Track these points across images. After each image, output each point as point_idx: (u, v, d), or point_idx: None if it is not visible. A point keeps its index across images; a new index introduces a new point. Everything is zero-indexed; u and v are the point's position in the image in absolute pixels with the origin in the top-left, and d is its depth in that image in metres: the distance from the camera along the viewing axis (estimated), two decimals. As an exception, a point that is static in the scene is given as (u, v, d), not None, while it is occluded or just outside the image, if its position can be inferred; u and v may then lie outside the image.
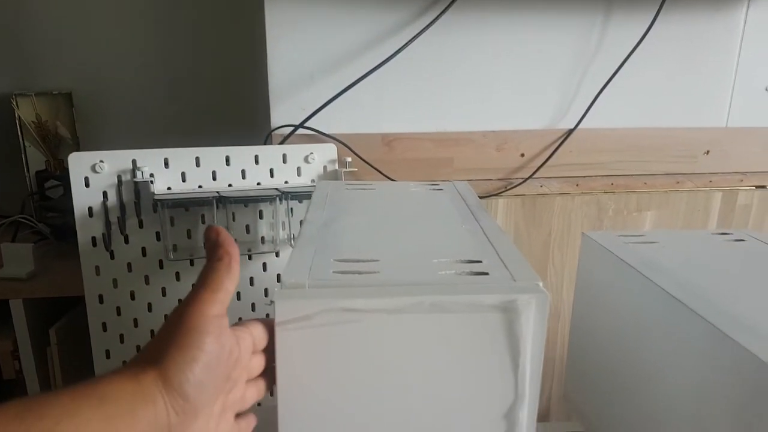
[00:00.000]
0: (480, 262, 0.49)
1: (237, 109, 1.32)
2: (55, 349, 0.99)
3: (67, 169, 0.85)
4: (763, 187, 1.07)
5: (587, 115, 0.99)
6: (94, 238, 0.85)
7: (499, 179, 1.01)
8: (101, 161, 0.84)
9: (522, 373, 0.44)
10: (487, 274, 0.46)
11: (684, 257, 0.64)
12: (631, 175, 1.04)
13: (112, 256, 0.86)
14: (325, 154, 0.92)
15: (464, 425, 0.45)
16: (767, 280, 0.58)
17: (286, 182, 0.91)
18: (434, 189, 0.76)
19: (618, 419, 0.66)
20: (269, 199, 0.88)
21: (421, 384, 0.45)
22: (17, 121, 1.19)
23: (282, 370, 0.44)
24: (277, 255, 0.92)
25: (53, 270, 1.02)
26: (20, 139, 1.20)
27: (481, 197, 0.98)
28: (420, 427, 0.45)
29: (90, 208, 0.84)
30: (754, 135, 1.06)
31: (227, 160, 0.88)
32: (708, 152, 1.05)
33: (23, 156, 1.20)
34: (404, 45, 0.91)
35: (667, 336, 0.56)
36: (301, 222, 0.78)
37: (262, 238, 0.92)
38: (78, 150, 1.22)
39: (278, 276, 0.95)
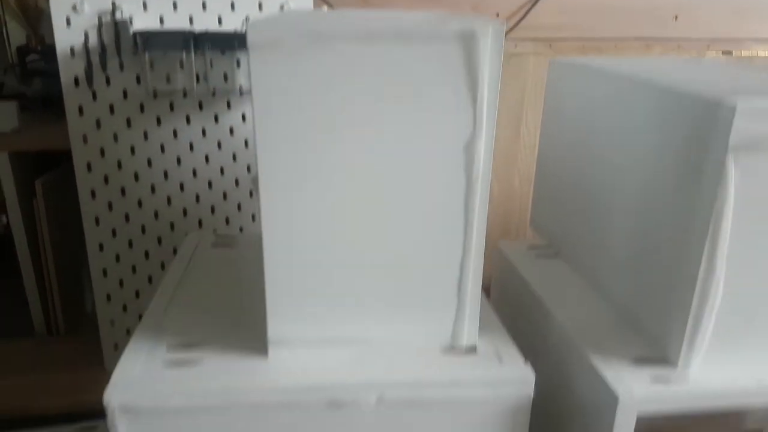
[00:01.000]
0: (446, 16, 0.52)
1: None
2: (41, 201, 1.01)
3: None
4: (730, 52, 1.10)
5: (560, -26, 1.01)
6: (76, 78, 0.87)
7: (474, 41, 1.04)
8: (82, 1, 0.85)
9: (480, 106, 0.47)
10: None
11: (642, 63, 0.68)
12: (602, 38, 1.07)
13: (94, 97, 0.88)
14: (301, 4, 0.93)
15: (429, 158, 0.49)
16: (711, 70, 0.62)
17: (264, 30, 0.93)
18: None
19: (575, 225, 0.70)
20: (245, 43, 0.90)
21: (388, 120, 0.48)
22: (-5, -6, 1.19)
23: (258, 101, 0.47)
24: (256, 105, 0.95)
25: (38, 128, 1.04)
26: (1, 13, 1.20)
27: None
28: (389, 163, 0.49)
29: (72, 48, 0.86)
30: (723, 1, 1.09)
31: (204, 5, 0.90)
32: (677, 17, 1.08)
33: (4, 30, 1.20)
34: None
35: (622, 115, 0.60)
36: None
37: (240, 87, 0.94)
38: (58, 23, 1.23)
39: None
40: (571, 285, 0.69)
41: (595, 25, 1.06)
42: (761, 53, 1.11)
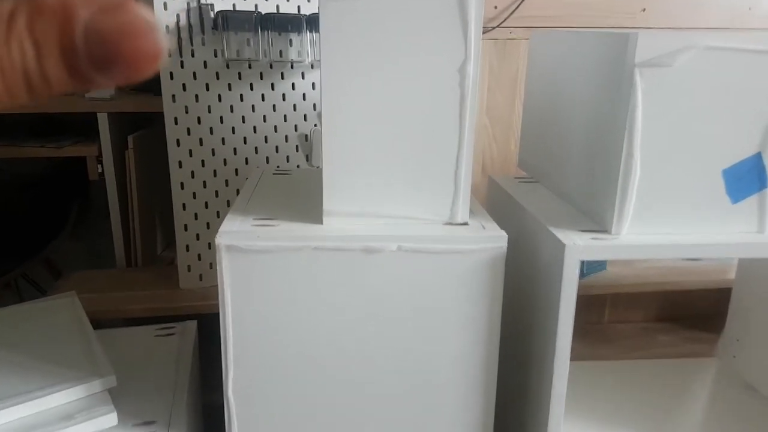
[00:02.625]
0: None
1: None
2: (131, 153, 1.27)
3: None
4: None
5: (548, -25, 1.26)
6: (168, 50, 1.13)
7: (478, 29, 1.28)
8: (175, -10, 1.11)
9: (469, 41, 0.71)
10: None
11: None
12: (580, 27, 1.31)
13: (182, 66, 1.14)
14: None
15: (435, 78, 0.73)
16: (634, 31, 0.86)
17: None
18: None
19: (547, 156, 0.94)
20: (298, 23, 1.15)
21: (411, 51, 0.72)
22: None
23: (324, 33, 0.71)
24: (302, 77, 1.20)
25: (130, 97, 1.30)
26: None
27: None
28: (410, 82, 0.73)
29: (167, 26, 1.12)
30: (683, -2, 1.33)
31: (267, -4, 1.16)
32: (644, 10, 1.32)
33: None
34: None
35: (575, 62, 0.84)
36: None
37: (291, 62, 1.19)
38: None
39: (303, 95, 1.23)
40: (541, 195, 0.93)
41: (575, 16, 1.30)
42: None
